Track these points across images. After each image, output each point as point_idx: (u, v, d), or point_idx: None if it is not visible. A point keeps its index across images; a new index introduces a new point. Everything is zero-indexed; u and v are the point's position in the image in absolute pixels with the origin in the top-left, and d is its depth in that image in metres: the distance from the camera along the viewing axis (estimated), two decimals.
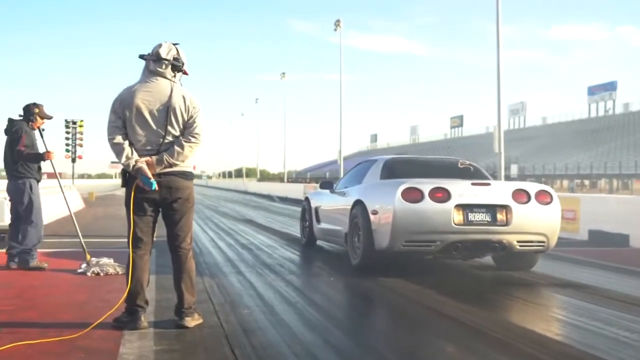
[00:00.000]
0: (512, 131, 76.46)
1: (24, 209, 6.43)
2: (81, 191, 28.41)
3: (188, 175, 4.11)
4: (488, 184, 6.59)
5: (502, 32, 22.53)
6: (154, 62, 4.04)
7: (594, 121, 72.49)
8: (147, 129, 3.98)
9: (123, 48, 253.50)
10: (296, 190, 33.57)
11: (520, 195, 6.36)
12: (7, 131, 6.54)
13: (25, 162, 6.40)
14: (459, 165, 7.50)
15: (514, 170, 52.70)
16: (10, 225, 6.78)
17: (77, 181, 24.13)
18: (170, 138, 3.99)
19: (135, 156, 3.94)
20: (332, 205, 8.23)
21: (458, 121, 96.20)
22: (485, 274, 6.98)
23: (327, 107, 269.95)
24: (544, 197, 6.49)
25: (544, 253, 6.78)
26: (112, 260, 6.35)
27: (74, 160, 22.66)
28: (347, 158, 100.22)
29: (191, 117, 4.05)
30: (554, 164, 57.15)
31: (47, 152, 6.54)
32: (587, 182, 55.78)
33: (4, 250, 6.90)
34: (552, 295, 5.93)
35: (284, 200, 31.11)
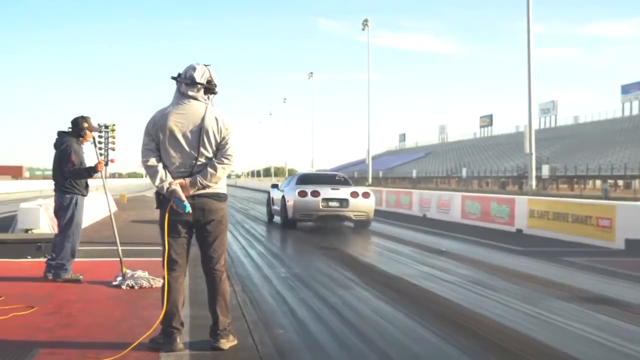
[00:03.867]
0: (543, 130, 75.30)
1: (64, 223, 6.55)
2: (113, 192, 28.79)
3: (221, 197, 4.11)
4: (338, 189, 13.57)
5: (532, 30, 22.23)
6: (186, 85, 4.06)
7: (627, 120, 70.87)
8: (180, 151, 4.00)
9: (153, 44, 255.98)
10: None
11: (354, 194, 13.41)
12: (56, 146, 6.69)
13: (76, 179, 6.53)
14: (336, 178, 15.20)
15: (545, 171, 51.74)
16: (55, 235, 6.90)
17: (108, 181, 24.38)
18: (203, 160, 4.00)
19: (169, 178, 3.96)
20: (276, 196, 15.14)
21: (487, 120, 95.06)
22: (514, 287, 6.87)
23: (356, 106, 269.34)
24: (365, 195, 13.55)
25: (369, 221, 13.81)
26: (146, 273, 6.40)
27: (106, 164, 22.93)
28: (376, 157, 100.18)
29: (224, 138, 4.06)
30: (586, 164, 56.09)
31: (98, 163, 6.67)
32: (620, 182, 54.64)
33: (44, 259, 7.05)
34: (582, 311, 5.80)
35: None
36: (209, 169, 3.97)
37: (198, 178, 3.95)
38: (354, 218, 13.39)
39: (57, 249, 6.56)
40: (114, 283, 6.26)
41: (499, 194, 20.12)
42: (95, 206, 16.61)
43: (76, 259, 6.90)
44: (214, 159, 4.02)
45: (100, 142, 21.99)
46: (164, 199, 4.00)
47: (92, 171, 6.60)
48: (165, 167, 4.00)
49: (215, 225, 4.08)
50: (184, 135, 3.98)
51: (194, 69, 4.07)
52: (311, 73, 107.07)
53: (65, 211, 6.55)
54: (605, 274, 7.79)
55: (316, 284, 6.75)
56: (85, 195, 6.78)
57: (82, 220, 6.84)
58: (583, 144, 65.39)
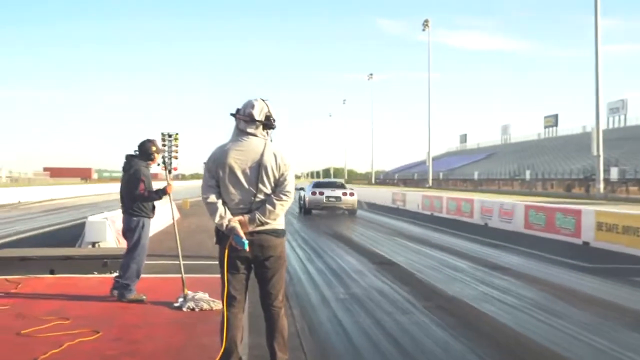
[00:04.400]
0: (612, 131, 72.41)
1: (132, 245, 6.77)
2: (175, 196, 29.39)
3: (279, 233, 4.13)
4: (335, 190, 23.09)
5: (600, 25, 21.39)
6: (245, 122, 4.10)
7: None
8: (239, 188, 4.04)
9: (215, 44, 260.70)
10: (384, 197, 33.40)
11: (344, 194, 23.06)
12: (124, 169, 6.94)
13: (145, 202, 6.74)
14: (336, 183, 24.86)
15: (614, 173, 49.70)
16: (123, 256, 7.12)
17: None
18: (261, 196, 4.03)
19: (229, 215, 4.00)
20: (301, 195, 24.05)
21: (552, 120, 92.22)
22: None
23: (416, 106, 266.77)
24: (351, 194, 23.19)
25: (355, 210, 23.42)
26: (207, 295, 6.51)
27: (169, 172, 23.44)
28: (436, 158, 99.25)
29: (282, 174, 4.07)
30: None
31: (168, 185, 6.91)
32: None
33: (112, 276, 7.32)
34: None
35: (372, 207, 31.00)
36: (268, 206, 4.00)
37: (257, 215, 3.98)
38: (344, 208, 23.03)
39: (123, 269, 6.77)
40: (176, 305, 6.39)
41: (564, 203, 19.48)
42: (159, 214, 17.01)
43: (147, 275, 7.11)
44: (272, 196, 4.04)
45: (164, 151, 22.59)
46: (223, 235, 4.06)
47: (161, 194, 6.81)
48: (224, 203, 4.06)
49: (274, 262, 4.09)
50: (243, 172, 4.02)
51: (253, 106, 4.11)
52: (371, 74, 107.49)
53: (132, 233, 6.77)
54: None
55: (374, 307, 6.72)
56: (152, 217, 6.97)
57: (148, 241, 7.03)
58: None
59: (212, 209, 4.06)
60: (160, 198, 6.87)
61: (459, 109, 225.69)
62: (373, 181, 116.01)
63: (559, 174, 64.41)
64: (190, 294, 6.52)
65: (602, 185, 34.70)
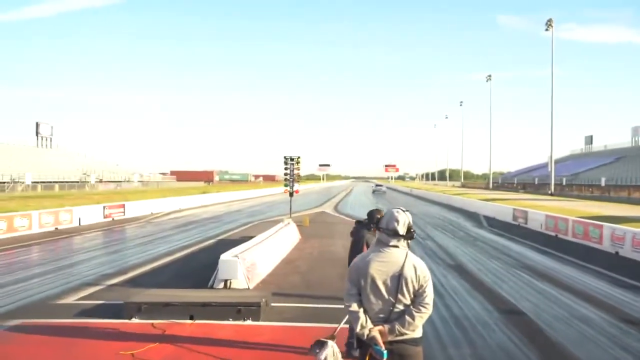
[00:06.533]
0: None
1: None
2: (295, 207, 30.25)
3: (418, 341, 4.28)
4: (381, 185, 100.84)
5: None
6: (387, 236, 4.30)
7: None
8: (380, 298, 4.24)
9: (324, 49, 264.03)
10: (505, 213, 32.44)
11: (380, 185, 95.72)
12: (352, 234, 7.94)
13: None
14: (378, 184, 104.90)
15: None
16: None
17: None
18: (400, 307, 4.21)
19: (369, 325, 4.21)
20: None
21: None
22: None
23: (538, 105, 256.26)
24: (384, 187, 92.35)
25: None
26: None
27: (291, 195, 24.29)
28: (559, 161, 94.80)
29: (421, 286, 4.23)
30: None
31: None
32: None
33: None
34: None
35: (491, 223, 30.26)
36: (407, 318, 4.17)
37: (397, 326, 4.16)
38: (382, 191, 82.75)
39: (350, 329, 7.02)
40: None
41: None
42: (282, 239, 17.68)
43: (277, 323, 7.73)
44: (411, 307, 4.20)
45: (286, 174, 23.50)
46: (363, 343, 4.28)
47: None
48: (365, 312, 4.28)
49: None
50: (384, 283, 4.22)
51: (397, 220, 4.29)
52: (489, 76, 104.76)
53: None
54: None
55: None
56: None
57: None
58: None
59: (354, 317, 4.29)
60: None
61: (585, 109, 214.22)
62: (490, 185, 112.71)
63: None
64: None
65: None
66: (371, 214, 7.46)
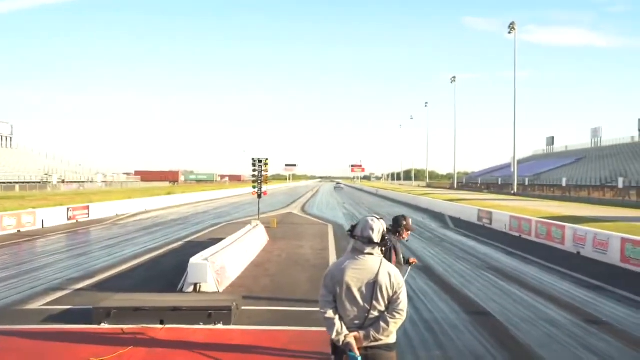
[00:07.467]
0: None
1: None
2: (263, 207, 30.19)
3: (392, 347, 4.36)
4: (340, 182, 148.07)
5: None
6: (362, 243, 4.36)
7: None
8: (355, 305, 4.29)
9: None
10: (470, 214, 32.92)
11: (340, 184, 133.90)
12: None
13: None
14: (337, 182, 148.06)
15: None
16: None
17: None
18: (375, 313, 4.27)
19: (345, 331, 4.26)
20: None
21: None
22: None
23: (501, 106, 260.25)
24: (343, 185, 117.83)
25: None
26: None
27: (259, 197, 24.25)
28: (521, 162, 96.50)
29: (395, 293, 4.30)
30: None
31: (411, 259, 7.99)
32: None
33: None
34: None
35: (457, 224, 30.68)
36: (382, 324, 4.24)
37: (372, 332, 4.22)
38: (340, 187, 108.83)
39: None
40: None
41: None
42: (251, 241, 17.64)
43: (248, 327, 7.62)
44: (386, 313, 4.28)
45: (254, 177, 23.48)
46: (338, 348, 4.33)
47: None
48: (341, 318, 4.34)
49: None
50: (359, 290, 4.28)
51: (372, 228, 4.36)
52: (454, 77, 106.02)
53: None
54: None
55: None
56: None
57: None
58: None
59: (329, 323, 4.33)
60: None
61: (547, 110, 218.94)
62: (455, 185, 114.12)
63: None
64: None
65: None
66: (397, 219, 7.59)
